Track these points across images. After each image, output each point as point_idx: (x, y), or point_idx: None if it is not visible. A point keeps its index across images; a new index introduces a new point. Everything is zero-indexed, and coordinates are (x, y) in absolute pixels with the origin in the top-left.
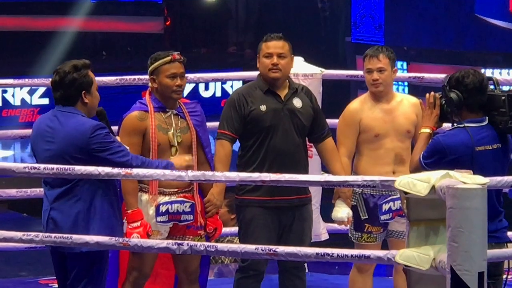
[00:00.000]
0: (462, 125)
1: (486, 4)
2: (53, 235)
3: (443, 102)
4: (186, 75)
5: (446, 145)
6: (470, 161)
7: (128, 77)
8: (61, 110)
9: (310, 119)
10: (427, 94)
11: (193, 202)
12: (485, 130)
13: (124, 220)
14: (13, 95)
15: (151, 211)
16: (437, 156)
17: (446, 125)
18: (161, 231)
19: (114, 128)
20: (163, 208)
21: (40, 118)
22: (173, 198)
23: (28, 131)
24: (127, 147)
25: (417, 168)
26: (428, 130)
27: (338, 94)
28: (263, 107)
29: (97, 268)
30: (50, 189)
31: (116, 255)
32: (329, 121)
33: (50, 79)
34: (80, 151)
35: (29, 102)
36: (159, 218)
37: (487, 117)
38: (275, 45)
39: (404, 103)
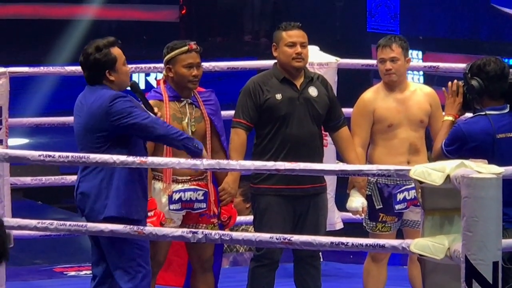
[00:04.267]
0: (483, 113)
1: None
2: (68, 223)
3: (465, 89)
4: (201, 64)
5: (467, 132)
6: (491, 149)
7: (143, 65)
8: (90, 85)
9: (326, 108)
10: (450, 82)
11: (206, 190)
12: (506, 117)
13: None
14: None
15: (164, 199)
16: (458, 144)
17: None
18: (174, 219)
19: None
20: (176, 196)
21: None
22: (186, 186)
23: (43, 119)
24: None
25: (439, 156)
26: (450, 118)
27: (353, 83)
28: (278, 96)
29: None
30: None
31: None
32: (345, 110)
33: (66, 67)
34: (103, 122)
35: None
36: (172, 206)
37: (508, 105)
38: (297, 34)
39: (418, 93)
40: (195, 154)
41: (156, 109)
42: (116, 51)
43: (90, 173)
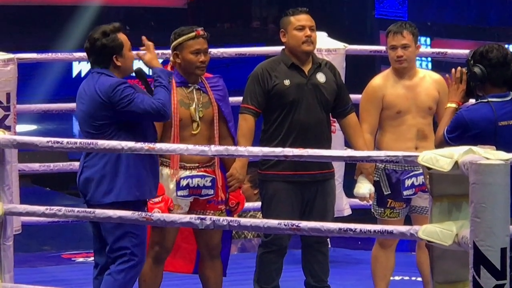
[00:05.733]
0: (485, 100)
1: None
2: (76, 209)
3: (468, 76)
4: (209, 50)
5: (468, 119)
6: (493, 136)
7: None
8: (94, 71)
9: (334, 94)
10: (453, 69)
11: (214, 176)
12: (509, 105)
13: None
14: None
15: (172, 185)
16: (460, 130)
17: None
18: (182, 205)
19: None
20: (183, 183)
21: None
22: (194, 172)
23: (51, 105)
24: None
25: (441, 143)
26: (454, 105)
27: (361, 70)
28: (286, 82)
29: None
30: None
31: None
32: (353, 96)
33: (74, 54)
34: (106, 110)
35: None
36: (179, 193)
37: (511, 92)
38: (305, 18)
39: (427, 80)
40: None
41: None
42: (122, 36)
43: (93, 157)
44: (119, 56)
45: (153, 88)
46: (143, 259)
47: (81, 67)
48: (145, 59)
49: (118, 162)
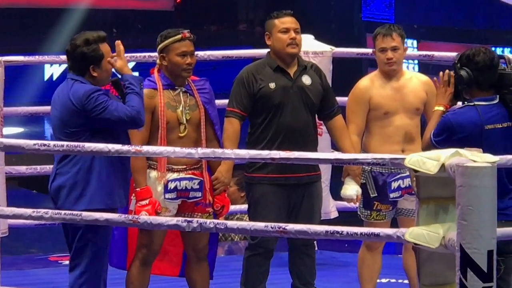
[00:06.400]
0: (472, 103)
1: None
2: (63, 212)
3: (455, 80)
4: (196, 52)
5: (455, 122)
6: (479, 139)
7: (138, 54)
8: (69, 77)
9: (320, 97)
10: (441, 72)
11: (202, 179)
12: (495, 108)
13: (133, 197)
14: None
15: (160, 188)
16: (446, 134)
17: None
18: (170, 208)
19: None
20: (171, 185)
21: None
22: (182, 175)
23: (38, 108)
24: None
25: (428, 146)
26: (441, 108)
27: (348, 72)
28: (272, 85)
29: (98, 240)
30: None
31: (125, 232)
32: (340, 99)
33: (61, 56)
34: (78, 116)
35: None
36: (167, 195)
37: (497, 96)
38: (290, 21)
39: (414, 81)
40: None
41: None
42: (104, 48)
43: (66, 164)
44: (97, 67)
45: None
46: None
47: (53, 71)
48: (116, 66)
49: (90, 170)
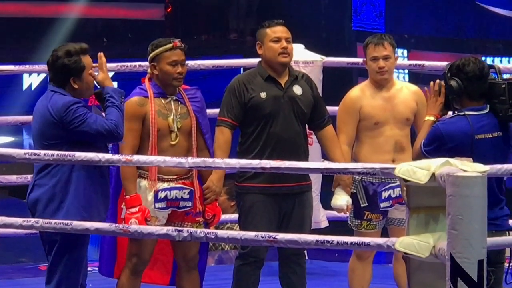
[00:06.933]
0: (462, 113)
1: None
2: (53, 221)
3: (445, 89)
4: (187, 62)
5: (445, 132)
6: (469, 149)
7: (128, 63)
8: (49, 89)
9: (310, 107)
10: (432, 82)
11: (192, 188)
12: (485, 118)
13: (123, 206)
14: None
15: (150, 197)
16: (436, 144)
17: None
18: (159, 218)
19: None
20: (161, 195)
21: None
22: (172, 184)
23: (29, 117)
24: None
25: (418, 155)
26: (432, 118)
27: (339, 82)
28: (263, 94)
29: (71, 254)
30: (36, 163)
31: (114, 241)
32: (330, 108)
33: None
34: (56, 128)
35: None
36: (157, 205)
37: (488, 105)
38: (281, 30)
39: (404, 91)
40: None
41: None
42: (86, 59)
43: (44, 176)
44: (77, 79)
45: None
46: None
47: (32, 80)
48: (98, 78)
49: (68, 183)
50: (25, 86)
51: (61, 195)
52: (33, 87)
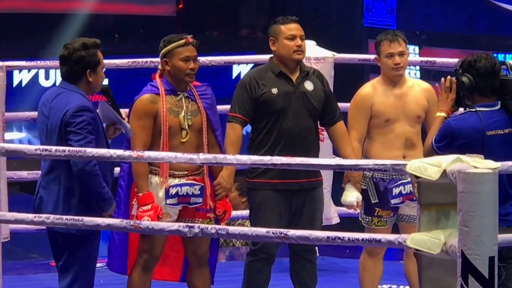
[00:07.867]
0: (473, 109)
1: None
2: (64, 217)
3: (456, 86)
4: (198, 58)
5: (456, 128)
6: (480, 145)
7: (140, 59)
8: (63, 87)
9: (322, 103)
10: (443, 78)
11: (203, 185)
12: (497, 114)
13: (134, 202)
14: None
15: (161, 193)
16: (448, 140)
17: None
18: (171, 214)
19: (124, 110)
20: (173, 191)
21: (47, 91)
22: (183, 180)
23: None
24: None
25: (430, 152)
26: (443, 114)
27: (350, 78)
28: (274, 90)
29: (85, 251)
30: (43, 163)
31: (125, 237)
32: (341, 105)
33: None
34: (65, 127)
35: None
36: (168, 201)
37: (499, 102)
38: (296, 28)
39: (415, 88)
40: (101, 204)
41: (124, 115)
42: (100, 54)
43: (50, 182)
44: (93, 73)
45: (121, 112)
46: (92, 276)
47: (22, 77)
48: None
49: (72, 192)
50: (15, 83)
51: (63, 206)
52: (23, 84)
